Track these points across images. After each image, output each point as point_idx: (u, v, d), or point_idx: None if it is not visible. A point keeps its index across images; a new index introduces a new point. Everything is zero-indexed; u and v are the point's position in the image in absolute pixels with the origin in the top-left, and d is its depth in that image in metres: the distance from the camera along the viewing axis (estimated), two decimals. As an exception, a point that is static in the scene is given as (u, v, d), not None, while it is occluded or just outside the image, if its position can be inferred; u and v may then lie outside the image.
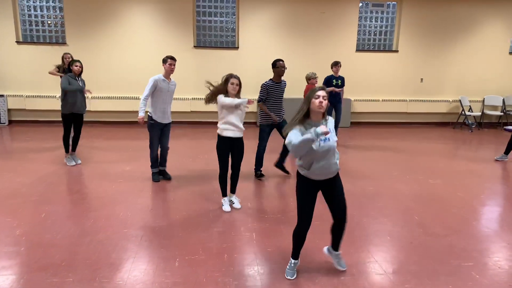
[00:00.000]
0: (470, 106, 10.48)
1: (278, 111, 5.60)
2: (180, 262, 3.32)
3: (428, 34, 10.31)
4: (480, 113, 10.60)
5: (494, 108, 10.80)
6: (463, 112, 10.34)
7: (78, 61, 6.05)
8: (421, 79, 10.50)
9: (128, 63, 9.48)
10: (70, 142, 6.27)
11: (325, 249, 3.32)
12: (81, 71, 6.04)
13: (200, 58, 9.76)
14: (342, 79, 7.95)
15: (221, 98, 4.40)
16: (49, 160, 6.44)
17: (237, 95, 4.52)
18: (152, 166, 5.56)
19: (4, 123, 9.45)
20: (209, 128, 9.31)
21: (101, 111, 9.60)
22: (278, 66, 5.59)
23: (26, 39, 9.46)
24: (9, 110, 9.53)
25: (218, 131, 4.43)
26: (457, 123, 10.59)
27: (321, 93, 2.78)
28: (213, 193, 5.05)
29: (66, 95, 5.96)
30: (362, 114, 10.43)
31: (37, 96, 9.42)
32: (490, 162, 6.93)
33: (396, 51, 10.33)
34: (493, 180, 5.92)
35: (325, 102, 2.79)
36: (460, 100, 10.37)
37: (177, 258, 3.38)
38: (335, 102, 7.82)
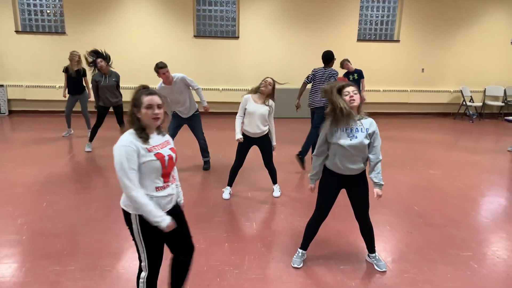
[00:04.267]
0: (471, 96, 10.45)
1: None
2: (181, 251, 3.33)
3: (429, 24, 10.23)
4: (481, 104, 10.58)
5: (495, 98, 10.76)
6: (464, 103, 10.32)
7: (98, 57, 6.07)
8: (422, 69, 10.45)
9: (128, 52, 9.43)
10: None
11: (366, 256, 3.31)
12: (108, 64, 6.16)
13: (200, 47, 9.71)
14: (359, 71, 7.61)
15: (244, 102, 4.30)
16: (50, 150, 6.45)
17: (270, 97, 4.33)
18: None
19: (4, 113, 9.44)
20: (210, 119, 9.29)
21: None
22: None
23: (25, 29, 9.40)
24: (9, 100, 9.50)
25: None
26: (458, 114, 10.57)
27: (348, 89, 2.79)
28: (215, 182, 5.07)
29: (97, 89, 6.25)
30: (363, 104, 10.42)
31: (37, 86, 9.38)
32: (490, 152, 6.94)
33: (398, 41, 10.27)
34: (493, 171, 5.93)
35: (356, 96, 2.78)
36: (461, 91, 10.34)
37: (178, 247, 3.40)
38: None
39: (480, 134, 8.73)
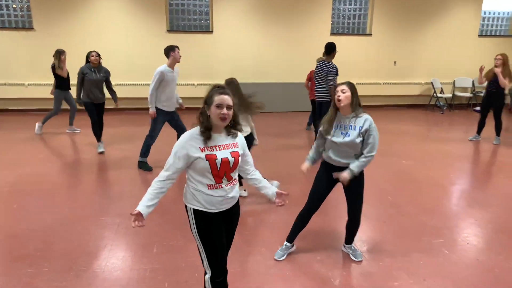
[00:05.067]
0: (441, 88, 10.73)
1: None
2: (159, 249, 3.32)
3: (401, 18, 10.42)
4: (451, 95, 10.88)
5: (464, 89, 11.08)
6: (434, 94, 10.59)
7: (94, 51, 5.93)
8: (394, 62, 10.64)
9: (98, 48, 9.11)
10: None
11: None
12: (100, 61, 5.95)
13: (173, 42, 9.49)
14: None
15: None
16: (20, 149, 6.26)
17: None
18: (144, 155, 5.40)
19: (-30, 113, 9.09)
20: (185, 115, 9.20)
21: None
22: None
23: (-10, 24, 9.06)
24: (-25, 99, 9.15)
25: None
26: (429, 105, 10.84)
27: (339, 87, 2.85)
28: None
29: (83, 83, 5.87)
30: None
31: (5, 84, 9.06)
32: (460, 142, 7.15)
33: (370, 34, 10.42)
34: (463, 160, 6.12)
35: (343, 95, 2.81)
36: (432, 83, 10.60)
37: (155, 244, 3.38)
38: None
39: (451, 125, 8.99)
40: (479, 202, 4.43)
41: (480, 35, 10.93)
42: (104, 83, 6.08)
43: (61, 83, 7.12)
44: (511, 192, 4.73)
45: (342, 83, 2.88)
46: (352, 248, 3.25)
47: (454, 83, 10.95)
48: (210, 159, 2.07)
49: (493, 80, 6.71)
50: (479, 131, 7.20)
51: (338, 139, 2.87)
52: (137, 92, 9.42)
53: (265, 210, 4.13)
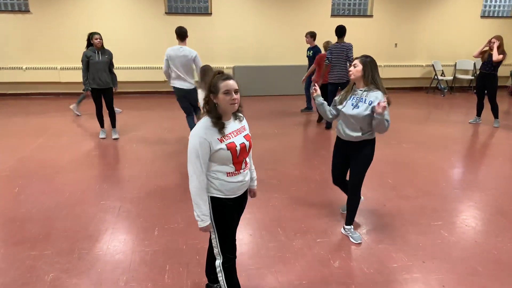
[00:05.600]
0: (442, 70, 10.65)
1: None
2: (160, 231, 3.34)
3: (402, -1, 10.28)
4: (452, 78, 10.81)
5: (466, 72, 11.01)
6: (435, 77, 10.52)
7: (97, 33, 5.73)
8: (395, 44, 10.55)
9: (96, 30, 9.10)
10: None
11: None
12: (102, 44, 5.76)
13: (171, 25, 9.38)
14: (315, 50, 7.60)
15: None
16: (18, 133, 6.25)
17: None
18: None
19: (-32, 97, 9.05)
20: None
21: (72, 82, 9.26)
22: None
23: (-14, 7, 8.93)
24: (-28, 82, 9.09)
25: None
26: (430, 88, 10.78)
27: (354, 61, 3.03)
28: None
29: (88, 68, 5.70)
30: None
31: (1, 68, 8.98)
32: (460, 125, 7.14)
33: (371, 16, 10.29)
34: (462, 143, 6.12)
35: (354, 69, 2.98)
36: (433, 65, 10.52)
37: (156, 227, 3.41)
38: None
39: (451, 108, 8.95)
40: (478, 185, 4.44)
41: (483, 16, 10.79)
42: None
43: None
44: (510, 175, 4.75)
45: (356, 58, 3.02)
46: (351, 230, 3.28)
47: (455, 65, 10.87)
48: (231, 148, 2.05)
49: (487, 61, 6.69)
50: (478, 113, 7.19)
51: (348, 110, 3.02)
52: (135, 75, 9.36)
53: (264, 194, 4.15)
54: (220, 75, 2.07)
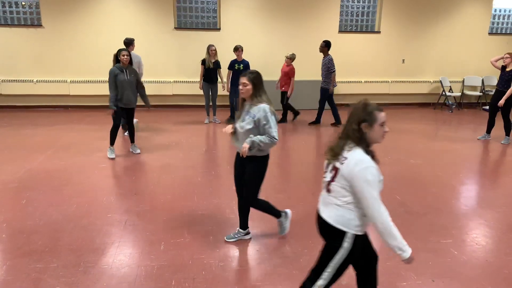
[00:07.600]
0: (450, 86, 10.62)
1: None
2: (166, 245, 3.33)
3: (409, 15, 10.32)
4: (460, 94, 10.77)
5: (474, 88, 10.97)
6: (443, 93, 10.49)
7: (125, 49, 5.66)
8: (403, 60, 10.56)
9: (107, 45, 9.22)
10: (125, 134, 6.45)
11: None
12: (130, 61, 5.62)
13: (181, 40, 9.59)
14: (245, 63, 8.19)
15: None
16: (28, 146, 6.30)
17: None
18: None
19: (-21, 109, 9.17)
20: (192, 112, 9.22)
21: (81, 95, 9.37)
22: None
23: (0, 21, 9.11)
24: (-16, 95, 9.23)
25: None
26: (438, 104, 10.75)
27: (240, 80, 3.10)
28: (197, 177, 5.04)
29: (117, 86, 5.51)
30: (344, 95, 10.47)
31: (13, 80, 9.12)
32: (469, 141, 7.08)
33: (379, 32, 10.33)
34: (471, 159, 6.06)
35: (244, 89, 3.05)
36: (440, 81, 10.50)
37: (162, 241, 3.39)
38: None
39: (459, 124, 8.90)
40: (488, 202, 4.38)
41: (490, 33, 10.80)
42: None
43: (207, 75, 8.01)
44: (521, 192, 4.68)
45: (244, 75, 3.08)
46: (244, 233, 3.46)
47: (463, 81, 10.84)
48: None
49: (503, 79, 6.69)
50: (488, 130, 7.14)
51: (237, 124, 3.18)
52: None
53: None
54: (375, 105, 2.05)
